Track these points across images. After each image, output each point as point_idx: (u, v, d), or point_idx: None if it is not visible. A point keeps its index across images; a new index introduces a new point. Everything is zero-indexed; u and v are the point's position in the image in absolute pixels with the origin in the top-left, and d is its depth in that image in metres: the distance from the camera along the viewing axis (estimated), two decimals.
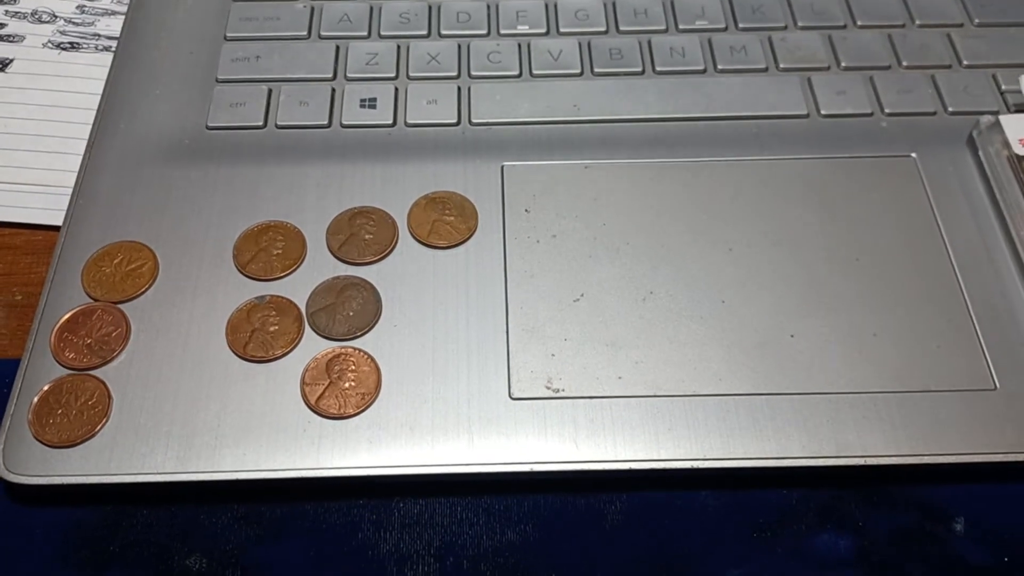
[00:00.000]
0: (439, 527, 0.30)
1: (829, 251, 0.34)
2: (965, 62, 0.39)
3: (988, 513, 0.30)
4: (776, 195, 0.35)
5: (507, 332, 0.32)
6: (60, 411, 0.30)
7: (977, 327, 0.32)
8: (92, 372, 0.31)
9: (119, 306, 0.33)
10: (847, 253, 0.34)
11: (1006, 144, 0.35)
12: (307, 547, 0.29)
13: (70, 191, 0.35)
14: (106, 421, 0.30)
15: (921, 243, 0.34)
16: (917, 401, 0.30)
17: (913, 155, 0.36)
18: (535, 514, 0.30)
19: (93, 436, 0.30)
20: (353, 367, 0.31)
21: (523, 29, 0.40)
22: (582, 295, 0.33)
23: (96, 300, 0.33)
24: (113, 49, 0.41)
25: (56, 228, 0.35)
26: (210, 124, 0.37)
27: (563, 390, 0.31)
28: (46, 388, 0.31)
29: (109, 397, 0.31)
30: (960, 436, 0.30)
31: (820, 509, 0.30)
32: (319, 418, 0.30)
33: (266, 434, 0.30)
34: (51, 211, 0.37)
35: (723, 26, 0.40)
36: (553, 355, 0.31)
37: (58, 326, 0.32)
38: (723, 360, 0.31)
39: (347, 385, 0.31)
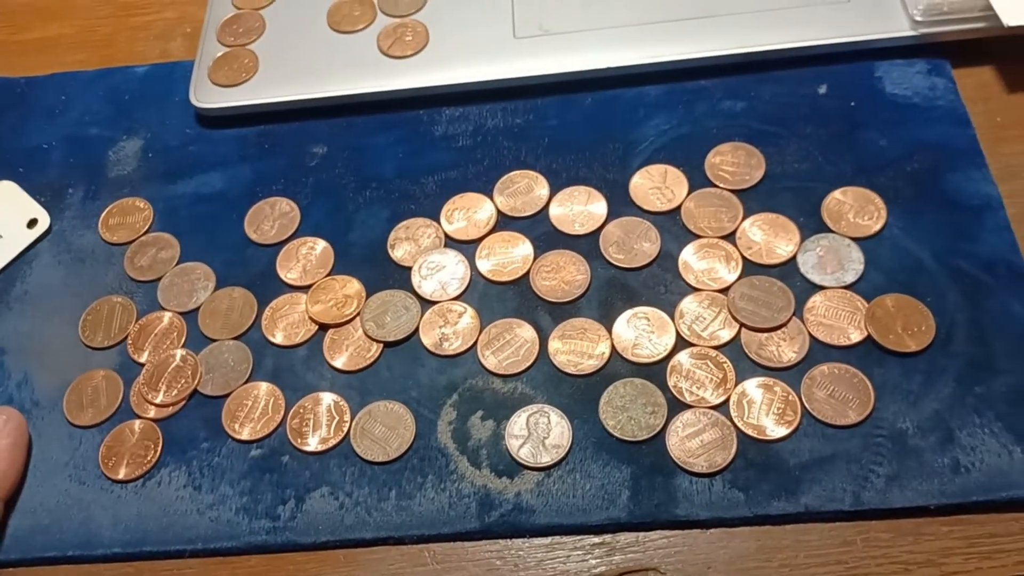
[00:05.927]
0: (472, 119, 0.46)
1: None
2: None
3: (842, 80, 0.44)
4: None
5: None
6: (226, 67, 0.47)
7: None
8: (246, 46, 0.48)
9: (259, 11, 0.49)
10: None
11: None
12: (395, 137, 0.45)
13: None
14: (256, 72, 0.47)
15: None
16: (792, 11, 0.45)
17: None
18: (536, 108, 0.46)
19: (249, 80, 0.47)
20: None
21: None
22: None
23: (240, 9, 0.50)
24: None
25: None
26: None
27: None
28: (219, 55, 0.48)
29: (257, 60, 0.47)
30: (825, 30, 0.44)
31: (725, 88, 0.45)
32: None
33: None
34: None
35: None
36: None
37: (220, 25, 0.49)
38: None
39: (408, 39, 0.47)
